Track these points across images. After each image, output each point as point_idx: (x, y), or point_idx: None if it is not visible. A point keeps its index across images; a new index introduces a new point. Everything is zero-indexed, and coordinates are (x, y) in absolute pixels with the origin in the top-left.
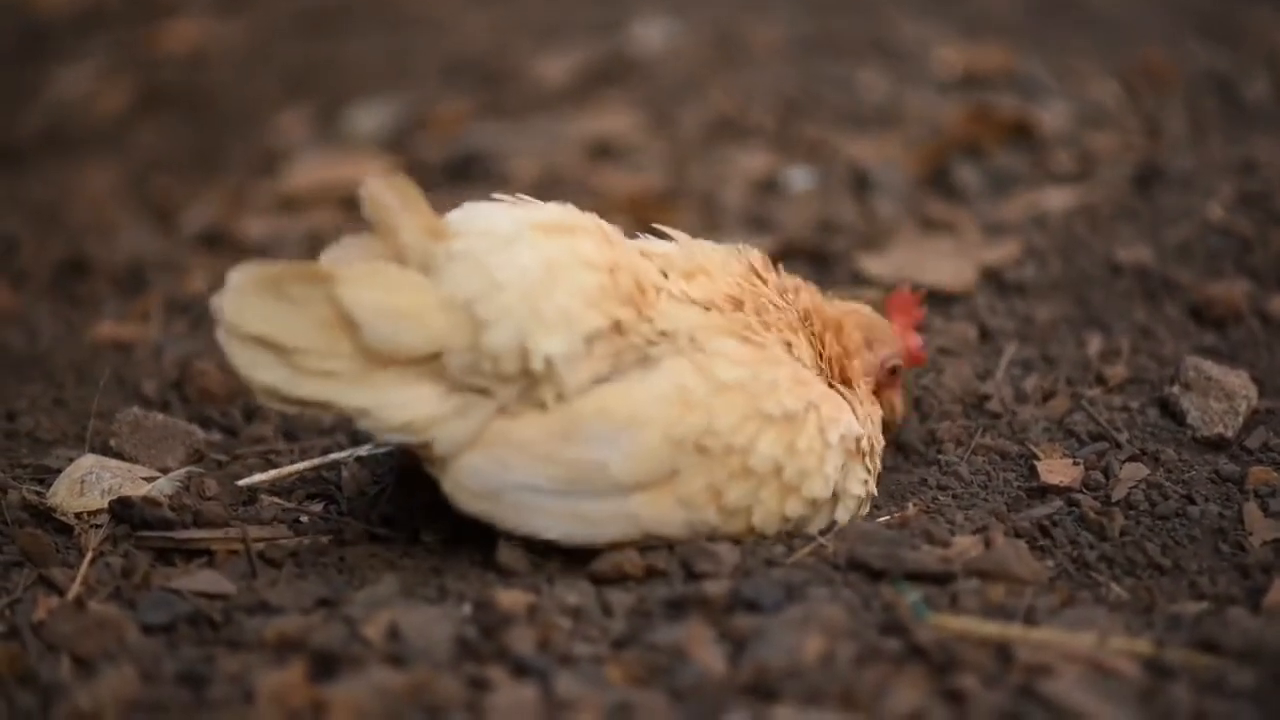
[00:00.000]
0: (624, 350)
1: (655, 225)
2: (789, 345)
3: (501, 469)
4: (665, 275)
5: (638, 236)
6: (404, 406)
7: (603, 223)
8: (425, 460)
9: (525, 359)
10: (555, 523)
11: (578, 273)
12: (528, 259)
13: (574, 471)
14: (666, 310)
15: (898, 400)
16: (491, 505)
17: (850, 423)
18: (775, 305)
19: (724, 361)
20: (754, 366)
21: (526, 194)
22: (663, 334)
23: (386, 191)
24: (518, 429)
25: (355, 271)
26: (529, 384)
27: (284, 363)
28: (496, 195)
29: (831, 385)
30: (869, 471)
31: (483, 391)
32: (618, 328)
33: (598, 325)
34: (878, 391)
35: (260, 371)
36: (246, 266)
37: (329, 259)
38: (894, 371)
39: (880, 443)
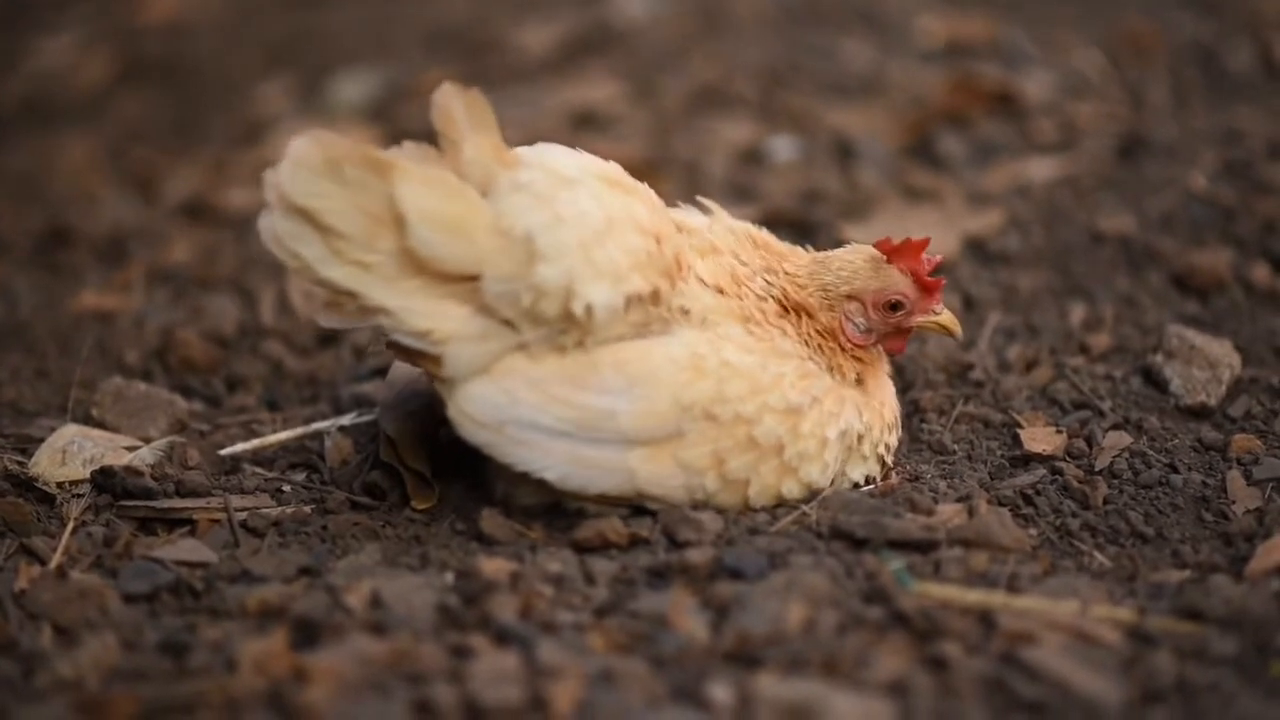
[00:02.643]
0: (652, 319)
1: (698, 198)
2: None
3: (509, 401)
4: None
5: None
6: (427, 316)
7: (651, 191)
8: (433, 377)
9: (568, 300)
10: (554, 464)
11: (631, 233)
12: (590, 205)
13: (582, 415)
14: (688, 288)
15: (936, 321)
16: (493, 436)
17: (850, 419)
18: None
19: (732, 346)
20: (762, 356)
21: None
22: (684, 311)
23: (458, 104)
24: (533, 366)
25: (417, 172)
26: (560, 327)
27: (323, 242)
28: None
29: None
30: (869, 460)
31: (508, 323)
32: (654, 296)
33: (639, 289)
34: (897, 335)
35: (298, 244)
36: (312, 136)
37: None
38: (895, 307)
39: (889, 428)
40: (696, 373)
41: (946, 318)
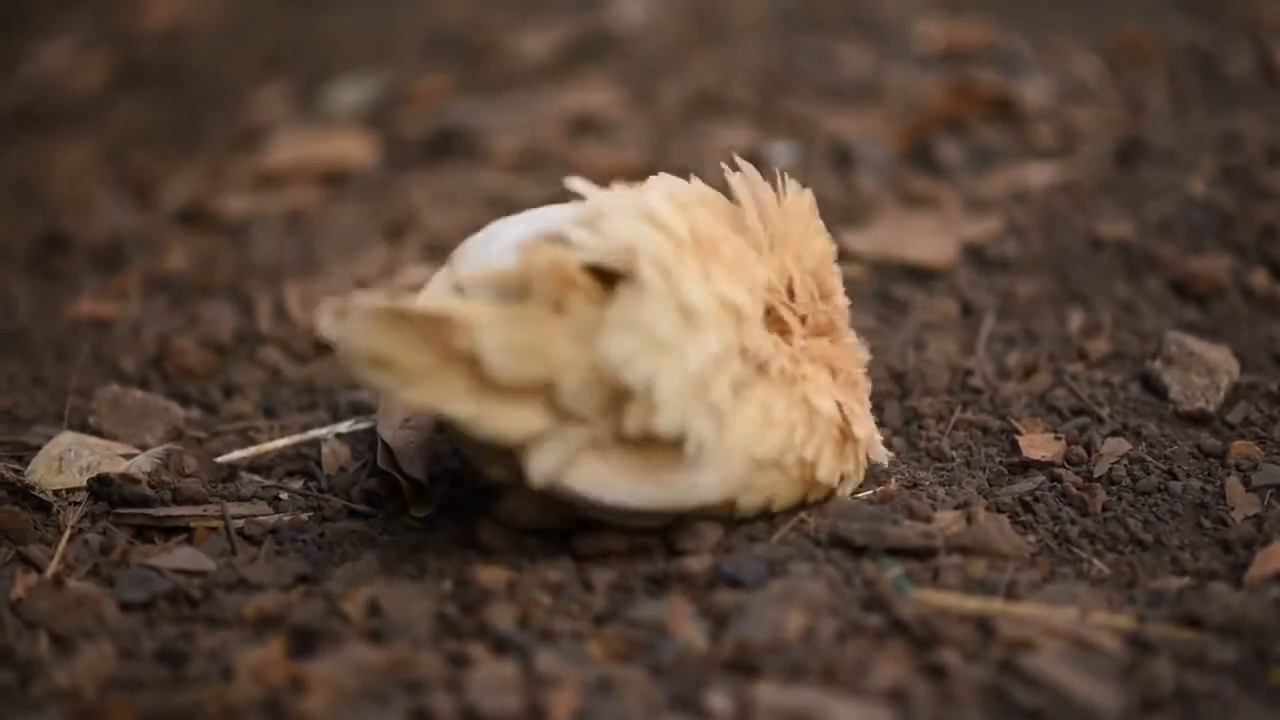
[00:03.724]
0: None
1: None
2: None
3: (601, 491)
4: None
5: None
6: (505, 422)
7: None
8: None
9: (681, 441)
10: (615, 519)
11: (734, 362)
12: (709, 343)
13: (667, 492)
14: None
15: None
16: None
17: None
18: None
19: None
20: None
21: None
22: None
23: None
24: (615, 457)
25: (485, 314)
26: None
27: (396, 375)
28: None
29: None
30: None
31: (583, 421)
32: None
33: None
34: None
35: (373, 375)
36: (370, 299)
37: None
38: None
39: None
40: (767, 425)
41: None
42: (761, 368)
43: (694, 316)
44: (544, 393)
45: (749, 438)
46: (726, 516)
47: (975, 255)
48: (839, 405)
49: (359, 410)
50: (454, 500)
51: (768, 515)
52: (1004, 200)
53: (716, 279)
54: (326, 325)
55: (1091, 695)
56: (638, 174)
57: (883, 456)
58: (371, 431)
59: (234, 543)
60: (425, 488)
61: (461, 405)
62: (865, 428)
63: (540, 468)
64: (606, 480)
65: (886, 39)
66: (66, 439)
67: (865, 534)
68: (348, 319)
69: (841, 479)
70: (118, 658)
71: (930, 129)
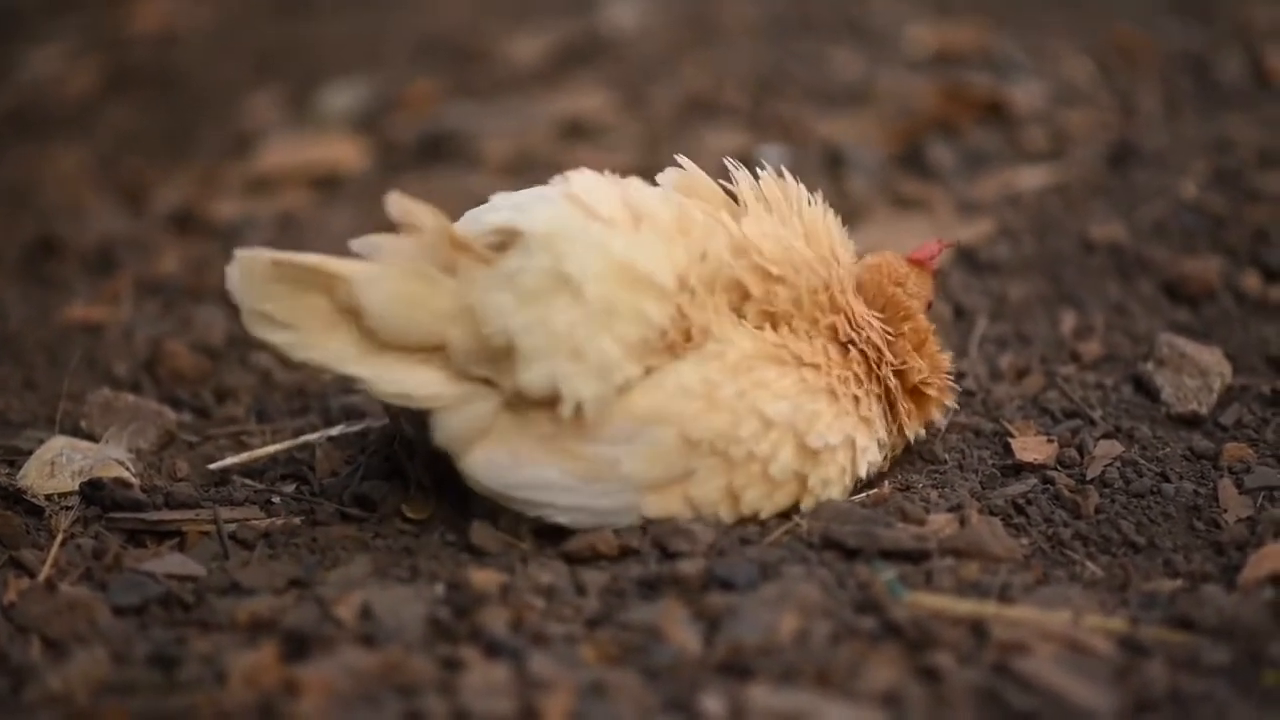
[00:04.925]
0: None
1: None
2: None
3: (513, 463)
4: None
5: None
6: (402, 382)
7: (706, 236)
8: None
9: (555, 402)
10: (564, 514)
11: (630, 323)
12: (587, 300)
13: (589, 468)
14: (721, 334)
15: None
16: (504, 497)
17: (873, 450)
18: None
19: (765, 395)
20: (795, 399)
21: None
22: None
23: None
24: (532, 423)
25: (364, 269)
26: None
27: (288, 333)
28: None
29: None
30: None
31: (487, 381)
32: (647, 372)
33: (633, 374)
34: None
35: (266, 334)
36: (255, 251)
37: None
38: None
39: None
40: (708, 404)
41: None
42: (693, 344)
43: (570, 281)
44: (440, 355)
45: (682, 417)
46: (700, 517)
47: (967, 258)
48: (802, 410)
49: (351, 415)
50: (446, 504)
51: (754, 520)
52: (996, 203)
53: (644, 253)
54: (230, 285)
55: (1085, 698)
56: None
57: (864, 469)
58: (364, 435)
59: (226, 547)
60: (426, 491)
61: (356, 365)
62: (833, 438)
63: (446, 428)
64: (522, 453)
65: (878, 42)
66: (58, 443)
67: (858, 537)
68: (236, 273)
69: (824, 483)
70: (110, 662)
71: (922, 132)
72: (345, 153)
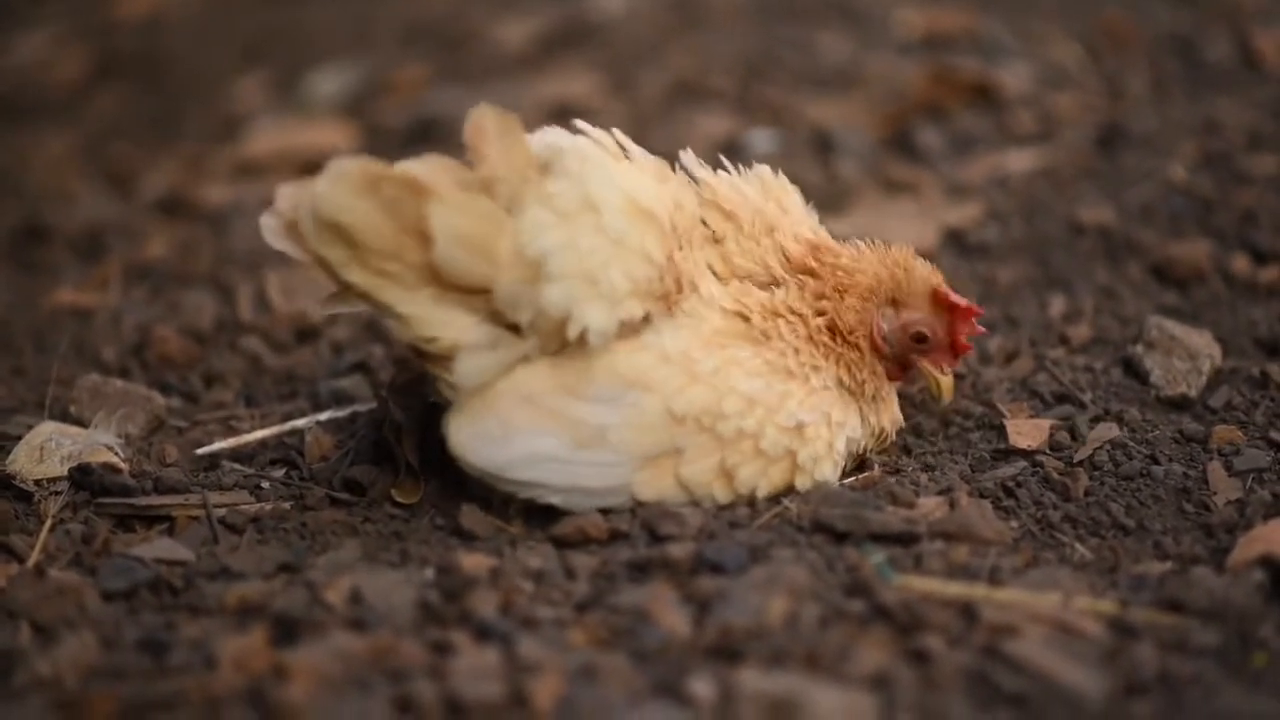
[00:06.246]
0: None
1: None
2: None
3: (504, 434)
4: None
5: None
6: (436, 324)
7: (685, 191)
8: (440, 382)
9: (565, 321)
10: (557, 494)
11: (637, 260)
12: (607, 229)
13: (577, 433)
14: (692, 308)
15: (936, 375)
16: (496, 478)
17: (856, 425)
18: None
19: (739, 371)
20: (767, 377)
21: None
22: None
23: (491, 122)
24: (530, 378)
25: (451, 196)
26: (555, 346)
27: (349, 251)
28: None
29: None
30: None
31: (514, 329)
32: (645, 319)
33: (633, 314)
34: (905, 358)
35: (325, 248)
36: (352, 157)
37: (417, 170)
38: (920, 339)
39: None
40: (689, 377)
41: (947, 381)
42: (682, 296)
43: (593, 204)
44: (480, 299)
45: (665, 387)
46: (693, 500)
47: (956, 241)
48: (776, 391)
49: (340, 399)
50: (435, 487)
51: (749, 500)
52: (984, 186)
53: (644, 190)
54: (283, 204)
55: (1075, 680)
56: None
57: (840, 460)
58: (353, 419)
59: (216, 531)
60: (416, 474)
61: (399, 296)
62: (810, 416)
63: (464, 368)
64: (513, 420)
65: (866, 26)
66: (47, 428)
67: (847, 520)
68: (325, 178)
69: (814, 461)
70: (100, 647)
71: (910, 115)
72: (333, 138)
